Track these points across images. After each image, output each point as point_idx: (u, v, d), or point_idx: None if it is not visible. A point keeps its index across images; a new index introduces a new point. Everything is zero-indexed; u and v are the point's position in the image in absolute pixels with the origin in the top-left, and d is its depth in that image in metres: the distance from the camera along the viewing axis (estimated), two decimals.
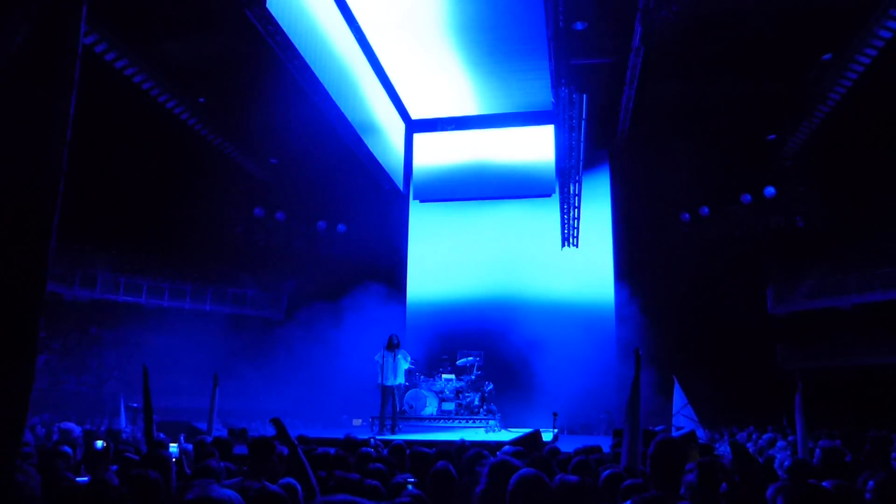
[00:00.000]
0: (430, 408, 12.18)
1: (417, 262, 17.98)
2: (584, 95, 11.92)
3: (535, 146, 17.14)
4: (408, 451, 4.89)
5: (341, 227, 20.70)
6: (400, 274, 18.07)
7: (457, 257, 17.23)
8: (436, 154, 17.99)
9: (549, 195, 16.52)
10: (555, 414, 10.28)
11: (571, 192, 14.13)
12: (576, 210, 14.63)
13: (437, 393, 12.34)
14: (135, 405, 10.89)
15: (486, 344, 13.91)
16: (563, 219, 15.19)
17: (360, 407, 13.19)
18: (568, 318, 15.67)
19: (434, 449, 4.77)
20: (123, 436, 6.68)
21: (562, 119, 13.15)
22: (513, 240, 16.99)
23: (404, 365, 10.91)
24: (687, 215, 19.23)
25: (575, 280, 16.19)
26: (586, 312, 16.07)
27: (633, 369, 4.49)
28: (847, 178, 17.23)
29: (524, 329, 15.42)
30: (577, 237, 15.32)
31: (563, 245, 15.58)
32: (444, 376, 12.56)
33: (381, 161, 15.73)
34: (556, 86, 12.93)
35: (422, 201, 18.19)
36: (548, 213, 16.53)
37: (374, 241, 18.96)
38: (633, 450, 3.57)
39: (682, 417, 9.70)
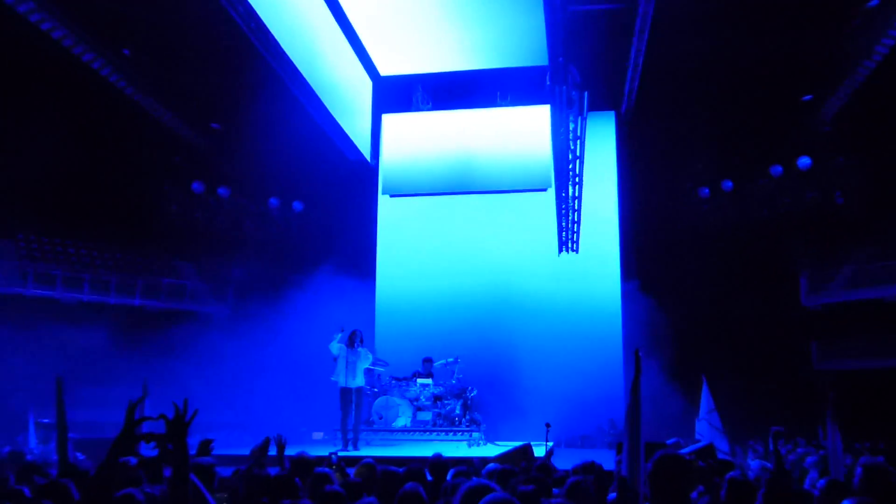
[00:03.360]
0: (404, 418, 12.21)
1: (389, 252, 17.90)
2: (586, 93, 11.83)
3: (528, 130, 17.03)
4: (379, 469, 4.93)
5: (297, 205, 20.57)
6: (368, 260, 18.02)
7: (434, 249, 17.17)
8: (408, 139, 17.85)
9: (545, 189, 16.49)
10: (547, 425, 10.34)
11: (570, 194, 14.01)
12: (575, 213, 14.53)
13: (411, 401, 12.37)
14: (47, 421, 10.80)
15: (470, 345, 13.95)
16: (559, 224, 15.07)
17: (322, 417, 13.20)
18: (566, 314, 15.75)
19: (404, 468, 4.81)
20: (29, 458, 6.62)
21: (558, 107, 12.95)
22: (502, 234, 16.99)
23: (364, 364, 10.94)
24: (706, 191, 19.38)
25: (574, 269, 16.16)
26: (587, 308, 16.13)
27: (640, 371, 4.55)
28: (894, 146, 17.45)
29: (515, 328, 15.48)
30: (576, 242, 15.26)
31: (560, 251, 15.53)
32: (419, 381, 12.58)
33: (343, 126, 15.63)
34: (552, 43, 12.82)
35: (392, 196, 17.97)
36: (543, 204, 16.49)
37: (338, 222, 18.86)
38: (634, 466, 3.61)
39: (706, 424, 9.88)
